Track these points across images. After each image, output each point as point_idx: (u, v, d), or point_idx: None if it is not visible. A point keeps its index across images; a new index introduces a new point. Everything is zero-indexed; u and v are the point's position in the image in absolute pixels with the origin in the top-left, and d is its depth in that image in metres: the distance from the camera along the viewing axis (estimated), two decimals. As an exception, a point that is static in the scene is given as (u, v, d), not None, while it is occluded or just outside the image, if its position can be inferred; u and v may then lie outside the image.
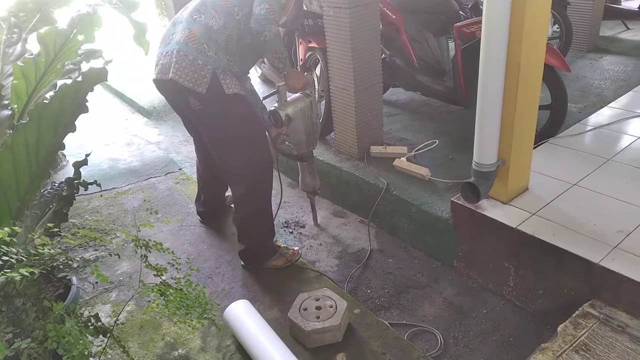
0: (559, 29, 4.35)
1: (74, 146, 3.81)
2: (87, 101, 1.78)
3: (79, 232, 1.63)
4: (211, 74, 2.22)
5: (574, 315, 1.94)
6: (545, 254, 2.10)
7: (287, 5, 2.46)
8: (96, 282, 2.48)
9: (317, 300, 2.15)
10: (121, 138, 4.52)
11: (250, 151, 2.37)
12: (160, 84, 2.35)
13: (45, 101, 1.82)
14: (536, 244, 2.11)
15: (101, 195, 3.44)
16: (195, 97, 2.25)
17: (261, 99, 2.72)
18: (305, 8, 3.45)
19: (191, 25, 2.25)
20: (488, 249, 2.37)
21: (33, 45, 2.47)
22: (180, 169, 3.79)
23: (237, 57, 2.36)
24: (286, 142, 2.63)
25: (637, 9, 5.11)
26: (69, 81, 1.76)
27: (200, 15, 2.27)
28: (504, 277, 2.33)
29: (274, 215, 2.58)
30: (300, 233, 2.98)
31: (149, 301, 1.85)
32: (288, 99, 2.53)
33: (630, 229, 2.10)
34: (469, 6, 4.83)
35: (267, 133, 2.55)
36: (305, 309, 2.11)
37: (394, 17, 3.47)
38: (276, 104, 2.51)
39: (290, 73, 2.47)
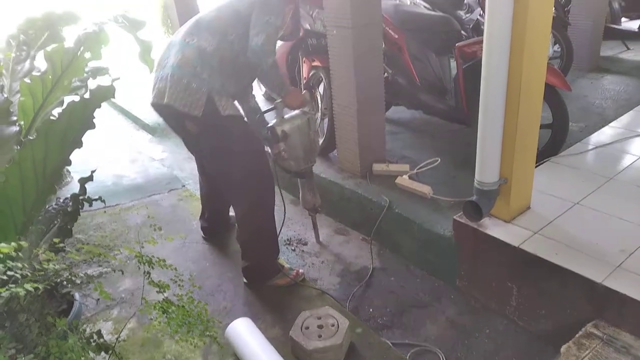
0: (559, 49, 4.40)
1: (78, 162, 3.80)
2: (94, 118, 1.81)
3: (83, 248, 1.64)
4: (206, 96, 2.23)
5: (577, 335, 1.93)
6: (547, 273, 2.10)
7: (284, 21, 2.49)
8: (97, 299, 2.47)
9: (319, 318, 2.15)
10: (125, 155, 4.56)
11: (249, 170, 2.38)
12: (158, 107, 2.37)
13: (52, 117, 1.85)
14: (538, 263, 2.11)
15: (105, 212, 3.45)
16: (192, 120, 2.28)
17: (259, 114, 2.74)
18: (309, 27, 3.51)
19: (184, 48, 2.27)
20: (490, 267, 2.37)
21: (41, 62, 2.51)
22: (184, 185, 3.81)
23: (232, 77, 2.38)
24: (284, 158, 2.65)
25: (637, 30, 5.17)
26: (76, 98, 1.79)
27: (192, 38, 2.29)
28: (506, 297, 2.32)
29: (278, 233, 2.58)
30: (303, 251, 2.98)
31: (151, 319, 1.85)
32: (286, 115, 2.56)
33: (633, 249, 2.10)
34: (471, 26, 4.89)
35: (267, 149, 2.57)
36: (307, 328, 2.11)
37: (396, 36, 3.52)
38: (275, 120, 2.54)
39: (289, 92, 2.50)
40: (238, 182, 2.41)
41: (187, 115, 2.24)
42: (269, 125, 2.53)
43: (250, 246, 2.53)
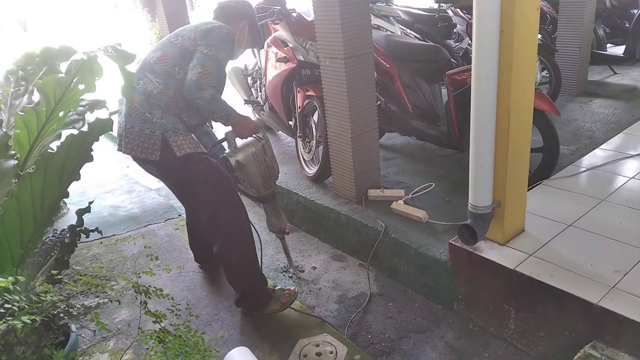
0: (548, 75, 4.50)
1: (74, 194, 3.84)
2: (92, 150, 1.84)
3: (81, 279, 1.64)
4: (160, 139, 2.26)
5: (575, 357, 1.92)
6: (544, 295, 2.11)
7: (240, 38, 2.52)
8: (94, 331, 2.45)
9: (317, 346, 2.14)
10: (122, 185, 4.57)
11: (216, 204, 2.39)
12: (123, 152, 2.40)
13: (50, 150, 1.87)
14: (534, 285, 2.12)
15: (101, 243, 3.45)
16: (152, 164, 2.36)
17: (211, 145, 2.68)
18: (302, 59, 3.59)
19: (132, 94, 2.27)
20: (487, 291, 2.37)
21: (38, 96, 2.55)
22: (180, 215, 3.82)
23: (188, 110, 2.38)
24: (244, 186, 2.63)
25: (622, 55, 5.30)
26: (74, 131, 1.82)
27: (138, 83, 2.29)
28: (504, 320, 2.32)
29: (261, 262, 2.57)
30: (300, 277, 2.98)
31: (148, 349, 1.84)
32: (238, 144, 2.53)
33: (627, 269, 2.12)
34: (460, 54, 5.01)
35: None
36: (306, 356, 2.10)
37: (388, 66, 3.60)
38: (228, 150, 2.52)
39: (237, 121, 2.45)
40: (208, 217, 2.43)
41: (145, 160, 2.32)
42: (222, 155, 2.51)
43: (236, 279, 2.52)
